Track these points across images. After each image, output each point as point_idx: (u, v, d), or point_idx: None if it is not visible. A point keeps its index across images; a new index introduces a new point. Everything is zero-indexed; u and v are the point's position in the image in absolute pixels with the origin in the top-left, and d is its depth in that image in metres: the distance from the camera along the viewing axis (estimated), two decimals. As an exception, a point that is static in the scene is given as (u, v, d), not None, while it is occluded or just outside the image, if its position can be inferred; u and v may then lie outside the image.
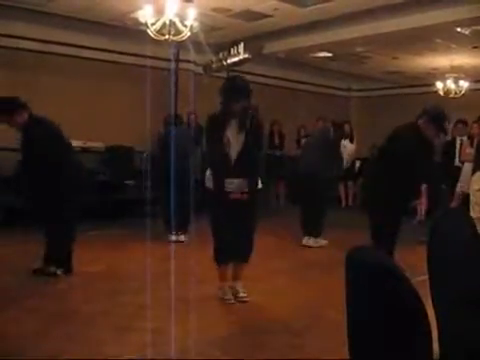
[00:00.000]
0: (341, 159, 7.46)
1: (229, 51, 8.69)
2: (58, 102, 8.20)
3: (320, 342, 3.35)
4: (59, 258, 4.60)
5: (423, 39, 8.73)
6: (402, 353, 1.30)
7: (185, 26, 6.01)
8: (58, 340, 3.28)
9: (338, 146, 6.87)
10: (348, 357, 1.44)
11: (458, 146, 7.48)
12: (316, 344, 3.32)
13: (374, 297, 1.32)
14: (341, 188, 10.70)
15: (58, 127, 4.79)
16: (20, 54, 7.97)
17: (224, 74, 9.40)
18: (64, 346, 3.18)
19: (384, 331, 1.32)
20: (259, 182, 4.08)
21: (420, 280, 1.64)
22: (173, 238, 6.42)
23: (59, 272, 4.57)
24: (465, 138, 7.33)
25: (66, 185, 4.57)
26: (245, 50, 8.47)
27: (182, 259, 4.75)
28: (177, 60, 8.96)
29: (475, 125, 7.37)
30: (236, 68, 9.21)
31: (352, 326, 1.41)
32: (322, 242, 6.42)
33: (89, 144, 8.18)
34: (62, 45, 8.40)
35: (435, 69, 10.91)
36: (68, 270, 4.64)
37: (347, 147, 10.06)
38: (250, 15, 7.87)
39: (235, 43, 8.60)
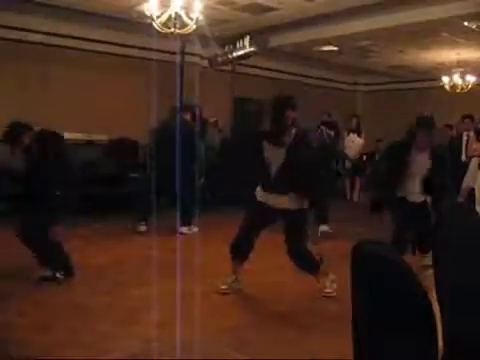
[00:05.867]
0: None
1: (235, 44, 8.66)
2: (63, 95, 8.22)
3: (324, 335, 3.35)
4: (54, 260, 4.45)
5: (429, 33, 8.67)
6: (407, 348, 1.30)
7: (191, 19, 5.98)
8: (63, 333, 3.29)
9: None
10: (352, 350, 1.44)
11: (465, 141, 7.45)
12: (320, 337, 3.32)
13: (379, 291, 1.31)
14: (347, 182, 10.69)
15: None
16: (26, 47, 7.97)
17: (230, 67, 9.40)
18: (69, 339, 3.20)
19: (389, 325, 1.31)
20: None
21: (426, 275, 1.63)
22: (183, 230, 6.52)
23: (59, 275, 4.40)
24: (472, 133, 7.29)
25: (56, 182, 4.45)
26: (251, 43, 8.43)
27: (188, 251, 4.75)
28: (183, 53, 8.94)
29: (482, 119, 7.33)
30: (242, 62, 9.19)
31: (357, 320, 1.40)
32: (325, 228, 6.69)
33: (93, 137, 8.19)
34: (67, 38, 8.38)
35: (441, 63, 10.84)
36: (69, 273, 4.47)
37: (355, 141, 10.06)
38: (256, 8, 7.83)
39: (241, 36, 8.57)
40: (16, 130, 4.55)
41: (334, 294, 4.13)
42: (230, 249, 4.19)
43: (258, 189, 4.21)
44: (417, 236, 4.97)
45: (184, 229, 6.53)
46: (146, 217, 6.49)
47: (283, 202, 4.04)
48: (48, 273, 4.40)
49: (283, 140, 4.02)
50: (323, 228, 6.69)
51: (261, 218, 4.16)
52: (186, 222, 6.57)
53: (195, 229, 6.57)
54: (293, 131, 4.05)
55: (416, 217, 4.78)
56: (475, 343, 1.39)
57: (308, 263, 4.16)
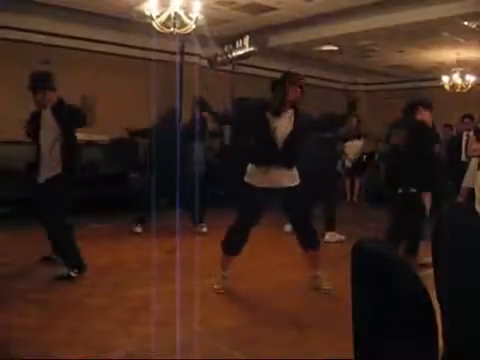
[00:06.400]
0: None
1: (234, 44, 8.67)
2: (63, 95, 8.20)
3: (324, 334, 3.35)
4: (67, 256, 4.48)
5: (429, 33, 8.66)
6: (407, 347, 1.29)
7: (190, 19, 5.99)
8: (63, 332, 3.29)
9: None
10: (353, 350, 1.44)
11: (464, 141, 7.45)
12: (320, 336, 3.32)
13: (380, 291, 1.31)
14: (347, 183, 10.68)
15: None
16: (26, 47, 7.96)
17: (229, 67, 9.40)
18: (69, 338, 3.20)
19: (389, 324, 1.31)
20: None
21: (426, 274, 1.63)
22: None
23: (73, 274, 4.41)
24: (471, 133, 7.29)
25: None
26: (250, 43, 8.45)
27: (188, 251, 4.76)
28: (182, 53, 8.93)
29: (482, 119, 7.33)
30: (241, 61, 9.19)
31: (357, 319, 1.40)
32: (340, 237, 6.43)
33: (94, 137, 8.18)
34: (67, 38, 8.38)
35: (441, 63, 10.84)
36: (82, 268, 4.50)
37: (355, 141, 10.05)
38: (255, 8, 7.83)
39: (240, 36, 8.57)
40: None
41: (332, 288, 4.17)
42: (223, 246, 4.17)
43: (251, 168, 4.09)
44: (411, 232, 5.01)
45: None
46: (144, 218, 6.48)
47: (285, 178, 4.02)
48: (63, 272, 4.40)
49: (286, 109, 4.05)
50: (334, 237, 6.37)
51: (256, 207, 4.10)
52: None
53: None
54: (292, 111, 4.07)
55: None
56: (475, 347, 1.39)
57: (316, 241, 4.23)
